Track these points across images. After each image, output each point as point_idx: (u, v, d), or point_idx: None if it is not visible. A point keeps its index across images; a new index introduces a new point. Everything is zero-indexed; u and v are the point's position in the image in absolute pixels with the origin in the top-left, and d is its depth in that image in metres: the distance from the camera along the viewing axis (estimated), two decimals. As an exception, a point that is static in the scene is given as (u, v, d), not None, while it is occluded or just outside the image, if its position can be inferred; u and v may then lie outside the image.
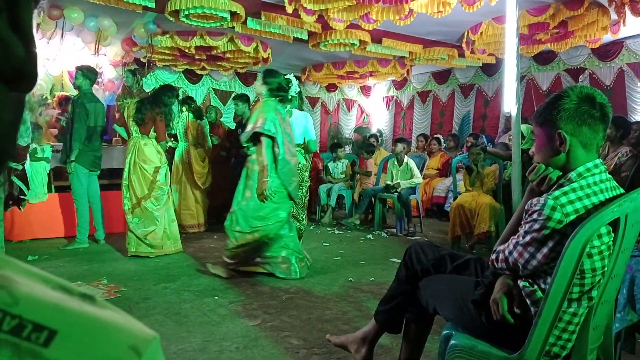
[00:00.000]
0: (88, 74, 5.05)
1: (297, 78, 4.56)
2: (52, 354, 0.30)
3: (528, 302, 1.56)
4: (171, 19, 5.52)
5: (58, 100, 6.74)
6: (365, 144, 8.17)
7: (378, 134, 9.87)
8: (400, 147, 6.35)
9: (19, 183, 4.81)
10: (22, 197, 4.73)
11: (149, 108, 4.78)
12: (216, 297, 3.54)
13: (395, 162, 6.41)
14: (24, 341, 0.30)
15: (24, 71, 0.37)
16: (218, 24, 5.74)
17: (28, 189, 4.93)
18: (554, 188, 1.56)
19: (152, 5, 5.03)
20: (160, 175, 4.87)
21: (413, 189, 6.30)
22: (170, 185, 5.12)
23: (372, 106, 11.43)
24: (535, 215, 1.49)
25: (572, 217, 1.45)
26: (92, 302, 0.35)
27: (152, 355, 0.34)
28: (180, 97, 6.06)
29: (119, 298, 3.51)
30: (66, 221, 5.51)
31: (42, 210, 5.24)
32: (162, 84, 8.79)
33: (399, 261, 2.24)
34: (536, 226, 1.49)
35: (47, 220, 5.34)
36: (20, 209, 4.94)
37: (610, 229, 1.48)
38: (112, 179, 6.14)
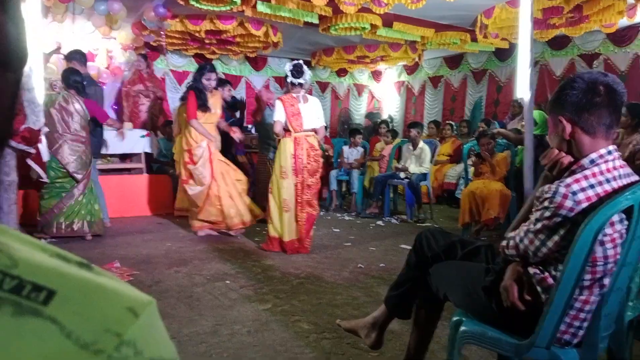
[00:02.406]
0: (77, 56, 5.06)
1: (307, 63, 4.56)
2: (52, 312, 0.31)
3: (539, 289, 1.56)
4: (181, 3, 5.50)
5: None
6: (377, 131, 8.12)
7: (389, 120, 9.82)
8: (414, 132, 6.33)
9: (35, 166, 4.85)
10: (40, 179, 4.77)
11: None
12: (227, 281, 3.57)
13: (410, 147, 6.38)
14: (24, 299, 0.31)
15: (14, 51, 0.38)
16: (228, 8, 5.71)
17: (45, 171, 4.97)
18: (566, 174, 1.55)
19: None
20: None
21: (424, 175, 6.28)
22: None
23: (382, 91, 11.36)
24: (546, 203, 1.48)
25: (584, 204, 1.44)
26: (89, 269, 0.36)
27: (149, 317, 0.35)
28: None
29: (132, 281, 3.55)
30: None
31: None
32: (172, 68, 8.86)
33: (409, 247, 2.24)
34: (547, 214, 1.48)
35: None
36: (39, 192, 4.99)
37: (624, 216, 1.47)
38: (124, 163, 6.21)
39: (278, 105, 4.44)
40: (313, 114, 4.49)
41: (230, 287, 3.45)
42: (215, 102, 5.01)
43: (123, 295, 0.35)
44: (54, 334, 0.30)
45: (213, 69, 5.00)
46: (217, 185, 4.90)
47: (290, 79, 4.44)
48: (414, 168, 6.21)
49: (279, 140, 4.50)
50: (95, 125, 5.09)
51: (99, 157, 5.35)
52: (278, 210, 4.47)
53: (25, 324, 0.30)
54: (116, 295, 0.34)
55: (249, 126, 7.05)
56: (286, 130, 4.43)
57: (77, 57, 5.09)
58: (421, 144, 6.34)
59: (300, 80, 4.42)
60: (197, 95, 4.84)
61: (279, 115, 4.39)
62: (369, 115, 10.90)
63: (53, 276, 0.33)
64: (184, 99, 5.03)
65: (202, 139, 4.88)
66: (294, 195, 4.43)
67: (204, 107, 4.86)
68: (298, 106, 4.42)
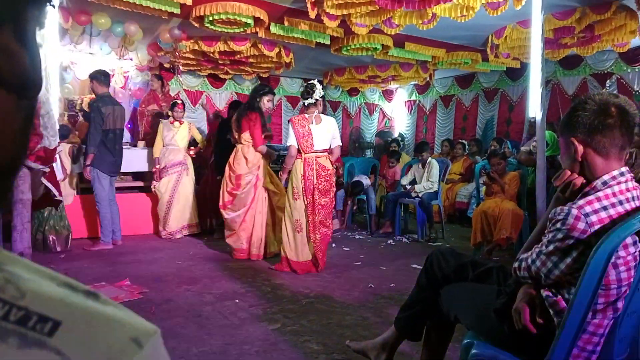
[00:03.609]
0: (100, 77, 5.16)
1: (319, 82, 4.59)
2: (56, 343, 0.31)
3: (551, 312, 1.54)
4: (196, 25, 5.60)
5: (88, 104, 6.89)
6: (389, 150, 8.12)
7: (400, 139, 9.83)
8: (426, 155, 6.34)
9: (49, 185, 4.91)
10: (56, 198, 4.83)
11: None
12: (237, 301, 3.56)
13: (420, 166, 6.37)
14: (30, 331, 0.31)
15: (29, 79, 0.39)
16: (242, 30, 5.80)
17: (58, 190, 5.03)
18: (579, 196, 1.54)
19: (177, 11, 5.10)
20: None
21: (435, 194, 6.25)
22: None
23: (394, 110, 11.39)
24: (559, 225, 1.47)
25: (597, 227, 1.43)
26: (96, 299, 0.36)
27: (153, 347, 0.35)
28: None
29: (142, 300, 3.56)
30: (89, 222, 5.62)
31: (67, 211, 5.33)
32: (186, 88, 8.98)
33: (420, 267, 2.22)
34: (559, 235, 1.46)
35: (72, 221, 5.43)
36: (57, 210, 5.05)
37: (637, 239, 1.45)
38: (136, 182, 6.26)
39: (289, 130, 4.47)
40: (326, 134, 4.48)
41: (240, 306, 3.44)
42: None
43: (128, 325, 0.35)
44: None
45: (273, 91, 5.04)
46: (254, 211, 4.89)
47: (301, 100, 4.50)
48: (420, 187, 6.17)
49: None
50: (114, 143, 5.16)
51: (116, 175, 5.39)
52: (292, 231, 4.45)
53: (30, 356, 0.30)
54: (121, 326, 0.35)
55: None
56: (297, 151, 4.45)
57: (99, 77, 5.19)
58: (429, 159, 6.33)
59: (310, 100, 4.42)
60: (261, 118, 4.83)
61: (291, 139, 4.42)
62: (380, 134, 10.92)
63: (59, 307, 0.33)
64: (237, 119, 4.94)
65: (254, 165, 4.87)
66: (305, 216, 4.43)
67: (265, 130, 4.91)
68: (309, 127, 4.42)
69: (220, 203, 4.95)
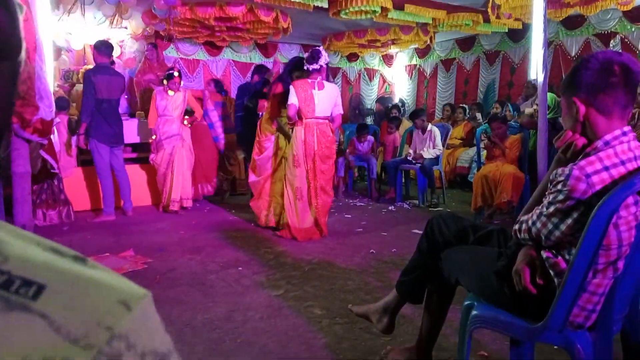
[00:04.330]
0: (100, 47, 5.12)
1: (315, 49, 4.50)
2: (41, 307, 0.31)
3: (552, 273, 1.54)
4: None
5: (82, 74, 6.82)
6: (389, 116, 8.05)
7: (400, 104, 9.74)
8: (419, 121, 6.26)
9: (47, 157, 4.91)
10: (52, 170, 4.83)
11: None
12: (240, 268, 3.60)
13: (420, 132, 6.32)
14: (13, 294, 0.31)
15: (9, 41, 0.37)
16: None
17: (57, 162, 5.02)
18: (580, 157, 1.52)
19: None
20: None
21: (436, 159, 6.23)
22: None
23: (394, 75, 11.25)
24: (559, 186, 1.46)
25: (598, 187, 1.41)
26: (83, 263, 0.36)
27: (142, 310, 0.35)
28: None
29: (146, 269, 3.60)
30: (92, 194, 5.63)
31: (69, 183, 5.34)
32: (183, 56, 8.87)
33: (421, 232, 2.23)
34: (560, 197, 1.45)
35: (73, 193, 5.44)
36: (55, 182, 5.05)
37: (639, 198, 1.44)
38: (138, 153, 6.24)
39: (291, 90, 4.38)
40: (327, 101, 4.42)
41: (243, 274, 3.48)
42: None
43: (116, 288, 0.34)
44: (42, 329, 0.30)
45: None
46: (272, 181, 4.86)
47: (305, 65, 4.39)
48: (425, 153, 6.16)
49: (292, 126, 4.49)
50: (110, 113, 5.11)
51: (118, 145, 5.34)
52: (293, 198, 4.46)
53: (13, 319, 0.30)
54: (109, 289, 0.34)
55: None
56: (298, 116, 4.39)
57: (99, 46, 5.18)
58: (429, 126, 6.28)
59: (315, 66, 4.33)
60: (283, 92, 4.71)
61: (292, 99, 4.33)
62: (381, 100, 10.81)
63: (44, 270, 0.33)
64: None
65: (273, 134, 4.84)
66: (306, 182, 4.41)
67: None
68: (311, 92, 4.35)
69: (250, 164, 5.06)
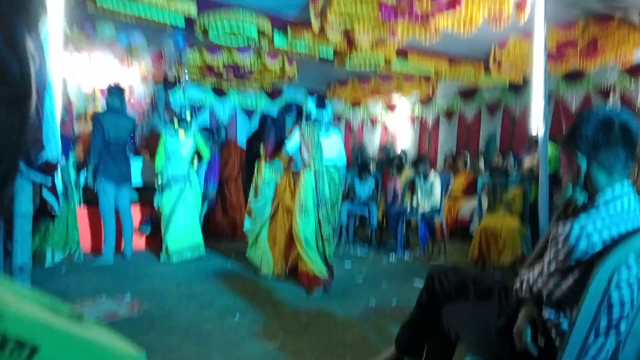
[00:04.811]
0: (112, 90, 5.29)
1: (322, 95, 4.59)
2: None
3: (553, 333, 1.51)
4: (200, 37, 5.64)
5: (91, 116, 6.94)
6: (394, 160, 8.10)
7: (402, 154, 9.82)
8: (422, 167, 6.29)
9: (50, 197, 4.91)
10: (53, 210, 4.83)
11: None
12: (237, 317, 3.53)
13: (422, 180, 6.33)
14: (7, 357, 0.30)
15: (20, 91, 0.38)
16: (246, 43, 5.83)
17: (59, 203, 5.03)
18: (580, 214, 1.51)
19: (181, 23, 5.14)
20: None
21: (438, 210, 6.21)
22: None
23: (396, 124, 11.39)
24: (560, 244, 1.44)
25: (599, 246, 1.40)
26: (79, 322, 0.35)
27: None
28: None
29: (141, 315, 3.53)
30: (93, 235, 5.60)
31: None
32: (190, 101, 9.03)
33: (422, 284, 2.20)
34: (561, 255, 1.44)
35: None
36: (53, 223, 5.05)
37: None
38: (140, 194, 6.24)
39: (296, 133, 4.27)
40: (334, 146, 4.39)
41: (240, 323, 3.41)
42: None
43: (109, 350, 0.34)
44: None
45: (293, 110, 4.86)
46: (271, 228, 4.75)
47: (310, 110, 4.38)
48: (426, 204, 6.13)
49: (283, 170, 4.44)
50: (118, 153, 5.18)
51: (125, 185, 5.33)
52: (301, 247, 4.26)
53: None
54: (102, 351, 0.34)
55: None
56: (304, 162, 4.30)
57: (111, 89, 5.35)
58: (432, 175, 6.29)
59: (323, 111, 4.35)
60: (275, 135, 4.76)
61: (296, 143, 4.25)
62: (383, 149, 10.91)
63: (39, 331, 0.32)
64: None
65: (271, 180, 4.78)
66: (314, 231, 4.26)
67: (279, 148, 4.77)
68: (318, 137, 4.30)
69: (246, 208, 4.98)
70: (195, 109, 9.14)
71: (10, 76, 0.37)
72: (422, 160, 6.43)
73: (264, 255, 4.73)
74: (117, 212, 5.31)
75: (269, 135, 4.80)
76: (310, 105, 4.38)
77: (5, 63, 0.37)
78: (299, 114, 4.79)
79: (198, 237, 5.54)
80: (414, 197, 6.37)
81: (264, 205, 4.77)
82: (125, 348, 0.35)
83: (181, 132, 5.53)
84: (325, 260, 4.28)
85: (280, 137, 4.73)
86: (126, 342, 0.36)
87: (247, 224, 4.90)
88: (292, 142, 4.28)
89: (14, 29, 0.38)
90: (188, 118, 5.62)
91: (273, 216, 4.73)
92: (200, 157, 5.91)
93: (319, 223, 4.26)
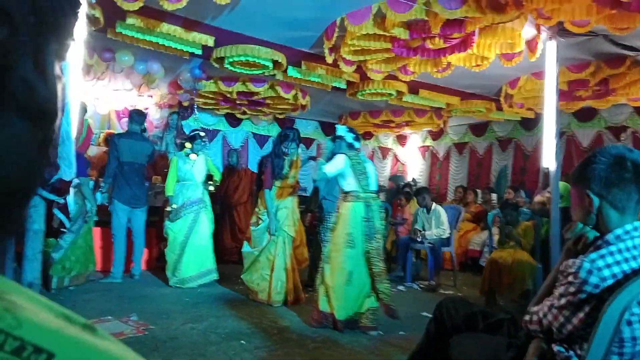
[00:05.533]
0: (133, 114, 5.43)
1: (334, 125, 4.62)
2: None
3: (563, 368, 1.50)
4: (216, 66, 5.76)
5: (104, 138, 7.07)
6: (402, 190, 8.11)
7: (412, 184, 9.82)
8: (420, 198, 6.27)
9: (61, 216, 4.97)
10: (62, 229, 4.88)
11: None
12: (242, 342, 3.50)
13: (425, 211, 6.31)
14: None
15: (46, 109, 0.40)
16: (260, 72, 5.95)
17: (69, 221, 5.08)
18: (590, 249, 1.52)
19: (198, 52, 5.27)
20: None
21: (447, 240, 6.18)
22: None
23: (407, 155, 11.44)
24: (571, 278, 1.44)
25: (610, 281, 1.40)
26: (92, 332, 0.36)
27: None
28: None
29: (147, 336, 3.52)
30: (103, 255, 5.63)
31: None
32: (203, 126, 9.16)
33: (430, 315, 2.19)
34: (572, 289, 1.44)
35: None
36: (59, 241, 5.08)
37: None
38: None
39: (341, 159, 3.97)
40: (374, 175, 4.19)
41: (245, 348, 3.38)
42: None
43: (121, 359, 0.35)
44: None
45: (289, 137, 4.72)
46: (269, 254, 4.67)
47: (350, 140, 4.14)
48: (430, 233, 6.09)
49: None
50: (132, 176, 5.25)
51: (140, 207, 5.38)
52: (341, 284, 3.89)
53: None
54: None
55: None
56: (346, 192, 4.03)
57: (132, 114, 5.50)
58: (434, 205, 6.26)
59: (358, 144, 4.22)
60: (273, 164, 4.67)
61: (339, 170, 3.96)
62: (393, 178, 10.91)
63: (54, 338, 0.33)
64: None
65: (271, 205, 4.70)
66: (364, 265, 3.93)
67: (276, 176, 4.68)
68: (364, 165, 4.08)
69: (246, 233, 4.95)
70: (208, 133, 9.26)
71: (38, 97, 0.39)
72: (422, 192, 6.39)
73: (261, 281, 4.68)
74: (128, 232, 5.36)
75: (268, 163, 4.76)
76: (347, 135, 4.15)
77: (34, 84, 0.39)
78: (299, 140, 4.79)
79: (211, 263, 5.35)
80: (420, 224, 6.34)
81: (263, 231, 4.75)
82: (137, 359, 0.37)
83: (193, 155, 5.38)
84: (378, 297, 3.96)
85: (280, 164, 4.69)
86: (137, 355, 0.38)
87: (245, 246, 4.91)
88: (335, 167, 3.96)
89: (45, 53, 0.40)
90: (202, 135, 5.51)
91: (272, 243, 4.67)
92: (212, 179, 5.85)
93: (369, 258, 3.92)
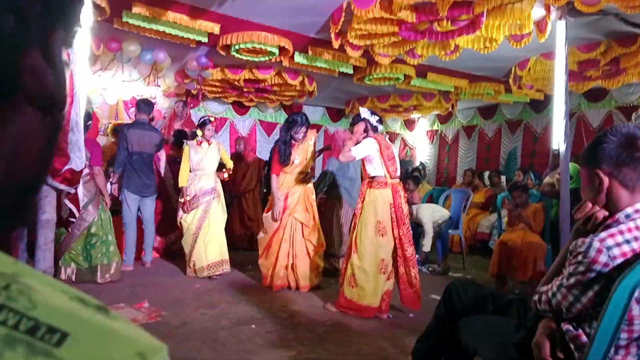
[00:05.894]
0: (140, 104, 5.45)
1: (342, 111, 4.57)
2: (63, 354, 0.32)
3: (572, 346, 1.50)
4: (222, 53, 5.74)
5: (112, 128, 7.10)
6: (411, 175, 8.09)
7: (421, 167, 9.78)
8: (412, 185, 6.23)
9: (70, 205, 5.01)
10: (70, 219, 4.92)
11: None
12: (253, 326, 3.55)
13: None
14: (38, 341, 0.32)
15: (55, 97, 0.41)
16: (267, 58, 5.92)
17: (79, 211, 5.12)
18: (600, 229, 1.51)
19: (205, 40, 5.25)
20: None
21: (455, 224, 6.17)
22: None
23: (415, 139, 11.38)
24: (580, 257, 1.44)
25: (619, 260, 1.40)
26: (106, 314, 0.37)
27: None
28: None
29: (159, 322, 3.57)
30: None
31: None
32: (211, 114, 9.16)
33: (440, 298, 2.20)
34: (581, 268, 1.44)
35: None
36: (68, 231, 5.12)
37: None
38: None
39: (371, 143, 3.86)
40: (396, 162, 4.08)
41: (256, 332, 3.42)
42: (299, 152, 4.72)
43: (135, 340, 0.35)
44: None
45: (296, 122, 4.64)
46: (279, 238, 4.66)
47: (375, 123, 4.05)
48: (426, 216, 6.05)
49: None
50: (141, 165, 5.28)
51: (150, 196, 5.43)
52: (373, 273, 3.85)
53: None
54: (128, 340, 0.35)
55: None
56: (372, 177, 3.93)
57: (140, 104, 5.51)
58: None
59: (382, 127, 4.11)
60: (280, 149, 4.63)
61: (371, 153, 3.85)
62: (401, 162, 10.89)
63: (68, 319, 0.34)
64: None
65: (280, 193, 4.66)
66: (392, 252, 3.89)
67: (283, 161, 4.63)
68: (392, 150, 3.97)
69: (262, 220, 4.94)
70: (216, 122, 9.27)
71: (46, 85, 0.40)
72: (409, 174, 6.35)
73: (277, 269, 4.68)
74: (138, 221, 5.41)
75: (277, 148, 4.73)
76: (371, 117, 4.04)
77: (43, 72, 0.39)
78: (308, 124, 4.71)
79: (224, 254, 5.24)
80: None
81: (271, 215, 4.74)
82: (150, 340, 0.37)
83: (205, 144, 5.27)
84: (398, 281, 3.94)
85: (287, 150, 4.63)
86: (150, 336, 0.38)
87: (260, 233, 4.91)
88: (364, 150, 3.85)
89: (53, 41, 0.40)
90: (212, 120, 5.42)
91: (282, 229, 4.66)
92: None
93: (400, 243, 3.87)
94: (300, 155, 4.71)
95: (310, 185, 4.87)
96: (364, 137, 3.96)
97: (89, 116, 5.11)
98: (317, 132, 4.63)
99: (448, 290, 2.15)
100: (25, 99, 0.39)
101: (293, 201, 4.68)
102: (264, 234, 4.82)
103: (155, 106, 7.81)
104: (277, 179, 4.70)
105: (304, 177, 4.76)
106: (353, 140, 3.92)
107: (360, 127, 3.99)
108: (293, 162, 4.68)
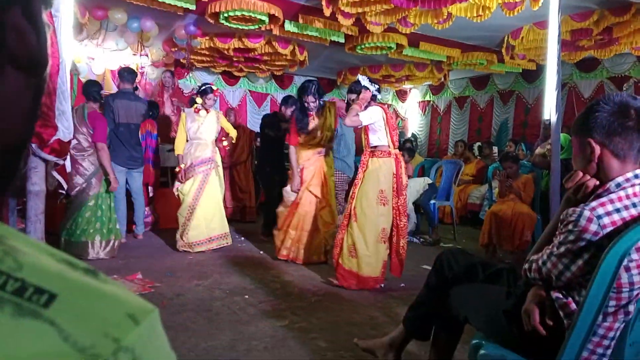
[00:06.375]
0: (123, 73, 5.30)
1: (333, 81, 4.52)
2: (51, 315, 0.31)
3: (561, 314, 1.52)
4: (211, 21, 5.63)
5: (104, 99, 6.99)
6: (403, 146, 8.09)
7: (413, 139, 9.78)
8: (407, 156, 6.19)
9: (58, 177, 4.95)
10: (60, 191, 4.88)
11: None
12: (246, 296, 3.58)
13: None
14: (25, 301, 0.31)
15: (38, 57, 0.40)
16: (256, 27, 5.82)
17: (67, 184, 5.06)
18: (591, 198, 1.52)
19: (192, 7, 5.13)
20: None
21: (446, 195, 6.20)
22: None
23: (407, 110, 11.34)
24: (570, 226, 1.45)
25: (609, 229, 1.41)
26: (95, 276, 0.36)
27: (150, 325, 0.35)
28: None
29: (153, 293, 3.59)
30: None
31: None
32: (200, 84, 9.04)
33: (431, 268, 2.22)
34: (571, 237, 1.45)
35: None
36: (57, 203, 5.07)
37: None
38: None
39: (377, 111, 3.81)
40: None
41: (249, 302, 3.45)
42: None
43: (125, 302, 0.35)
44: (51, 336, 0.31)
45: (311, 92, 4.45)
46: (295, 213, 4.59)
47: (374, 92, 3.94)
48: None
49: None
50: (128, 137, 5.21)
51: (136, 168, 5.37)
52: (373, 242, 3.83)
53: (24, 325, 0.30)
54: (118, 302, 0.35)
55: None
56: (375, 146, 3.90)
57: (122, 73, 5.36)
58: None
59: (381, 98, 4.05)
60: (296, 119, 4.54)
61: (377, 122, 3.79)
62: (393, 134, 10.89)
63: (56, 280, 0.33)
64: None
65: (296, 165, 4.58)
66: (391, 222, 3.88)
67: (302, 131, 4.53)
68: (394, 120, 4.02)
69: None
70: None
71: (29, 44, 0.39)
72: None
73: (286, 239, 4.63)
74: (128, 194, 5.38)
75: (294, 117, 4.58)
76: (371, 86, 3.93)
77: (24, 31, 0.38)
78: (320, 91, 4.53)
79: (223, 228, 5.14)
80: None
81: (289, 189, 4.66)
82: (141, 302, 0.37)
83: (203, 111, 5.06)
84: (391, 251, 3.94)
85: (304, 119, 4.50)
86: (140, 298, 0.38)
87: (280, 207, 4.77)
88: (370, 118, 3.78)
89: (33, 2, 0.39)
90: (214, 89, 5.18)
91: (298, 202, 4.58)
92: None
93: (397, 213, 3.86)
94: (319, 124, 4.54)
95: (330, 158, 4.72)
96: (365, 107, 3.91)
97: (100, 86, 5.00)
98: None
99: (439, 259, 2.16)
100: (9, 60, 0.38)
101: (309, 174, 4.55)
102: (284, 207, 4.68)
103: (144, 77, 7.70)
104: (295, 150, 4.60)
105: (320, 148, 4.61)
106: (360, 106, 3.84)
107: (367, 94, 3.88)
108: (312, 132, 4.52)
